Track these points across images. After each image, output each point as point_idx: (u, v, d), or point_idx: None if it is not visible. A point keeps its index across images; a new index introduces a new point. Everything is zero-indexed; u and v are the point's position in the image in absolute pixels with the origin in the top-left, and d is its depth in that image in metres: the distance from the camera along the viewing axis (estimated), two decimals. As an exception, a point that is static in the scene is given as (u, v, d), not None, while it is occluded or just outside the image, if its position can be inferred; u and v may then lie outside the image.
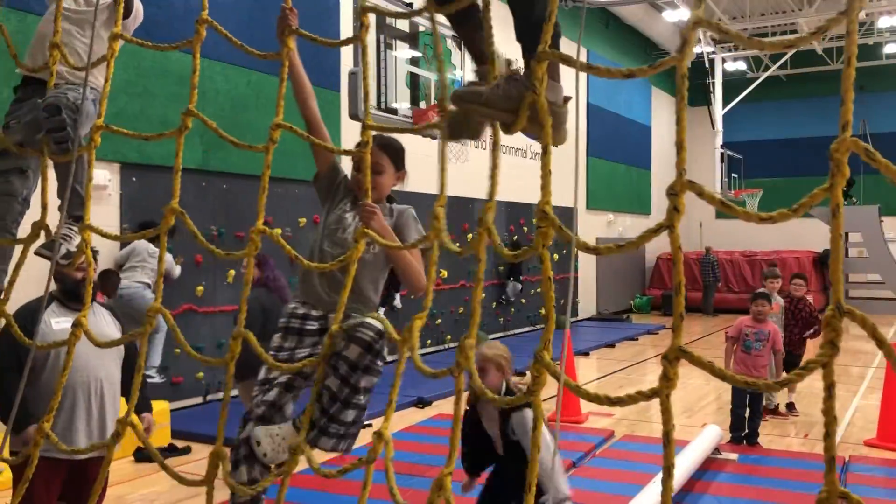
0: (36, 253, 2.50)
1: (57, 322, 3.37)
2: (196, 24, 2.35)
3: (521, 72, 1.85)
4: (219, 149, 8.13)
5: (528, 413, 3.45)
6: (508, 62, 1.90)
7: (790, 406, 7.72)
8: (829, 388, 1.15)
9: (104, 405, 3.44)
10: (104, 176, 7.03)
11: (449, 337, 12.10)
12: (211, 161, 8.12)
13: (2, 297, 2.44)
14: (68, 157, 2.47)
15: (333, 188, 3.01)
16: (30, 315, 3.10)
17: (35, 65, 2.73)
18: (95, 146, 2.41)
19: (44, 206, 2.43)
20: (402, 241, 2.83)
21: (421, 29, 7.78)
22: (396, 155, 3.02)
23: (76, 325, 2.26)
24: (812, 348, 7.51)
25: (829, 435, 1.14)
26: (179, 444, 6.29)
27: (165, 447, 6.11)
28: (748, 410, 6.39)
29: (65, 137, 2.48)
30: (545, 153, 1.59)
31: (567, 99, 1.97)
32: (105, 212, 7.12)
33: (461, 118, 1.95)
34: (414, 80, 7.28)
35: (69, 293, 3.45)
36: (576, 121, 1.92)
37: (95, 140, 2.40)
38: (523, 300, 14.34)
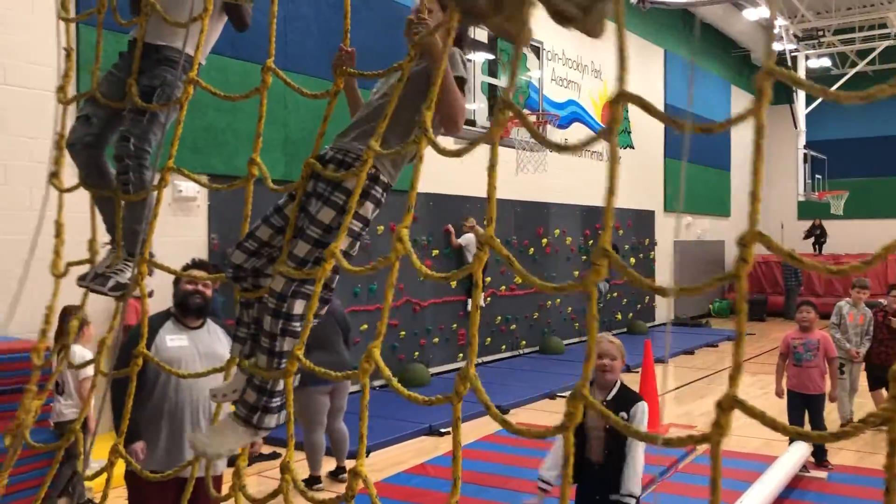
0: (84, 285, 2.61)
1: (171, 339, 3.51)
2: (262, 72, 2.44)
3: None
4: (300, 159, 8.34)
5: (645, 406, 3.62)
6: None
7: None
8: (893, 445, 1.13)
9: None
10: (193, 188, 7.31)
11: (524, 342, 12.11)
12: (293, 172, 8.34)
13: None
14: (128, 197, 2.58)
15: None
16: (148, 331, 3.22)
17: (139, 32, 2.69)
18: (165, 185, 2.51)
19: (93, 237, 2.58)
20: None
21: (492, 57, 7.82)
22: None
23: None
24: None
25: (889, 491, 1.13)
26: (266, 449, 6.50)
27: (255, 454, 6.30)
28: (809, 427, 6.21)
29: (127, 181, 2.59)
30: (611, 193, 1.50)
31: None
32: (194, 223, 7.41)
33: None
34: (492, 90, 7.33)
35: (181, 307, 3.61)
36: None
37: (166, 179, 2.49)
38: (599, 304, 14.20)
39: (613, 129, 1.54)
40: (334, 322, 5.88)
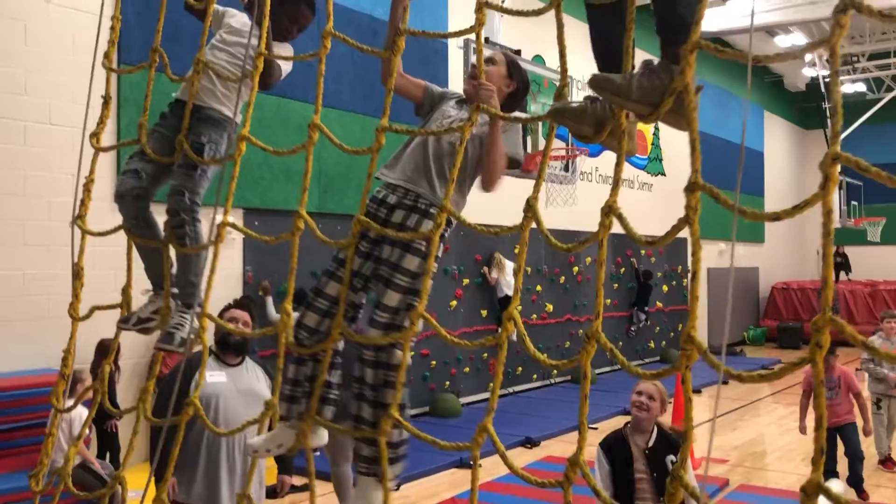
0: (155, 347, 2.69)
1: (211, 375, 3.59)
2: (309, 129, 2.47)
3: (656, 62, 1.86)
4: (334, 192, 8.49)
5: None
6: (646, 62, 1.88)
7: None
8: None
9: (247, 463, 3.51)
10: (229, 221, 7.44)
11: (555, 372, 12.06)
12: (327, 203, 8.47)
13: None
14: (185, 250, 2.66)
15: (436, 104, 2.87)
16: (189, 369, 3.30)
17: (185, 92, 2.85)
18: (222, 241, 2.54)
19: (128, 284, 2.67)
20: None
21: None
22: (511, 60, 2.83)
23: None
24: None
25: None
26: (297, 481, 6.54)
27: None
28: (846, 460, 6.15)
29: (183, 234, 2.68)
30: (695, 270, 1.51)
31: (699, 88, 1.85)
32: (229, 255, 7.54)
33: (579, 110, 1.96)
34: (522, 126, 7.41)
35: (221, 344, 3.70)
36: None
37: (222, 236, 2.52)
38: (633, 330, 14.12)
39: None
40: None
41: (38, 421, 5.47)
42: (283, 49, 2.91)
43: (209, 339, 2.66)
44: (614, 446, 3.58)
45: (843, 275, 19.22)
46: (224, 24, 2.95)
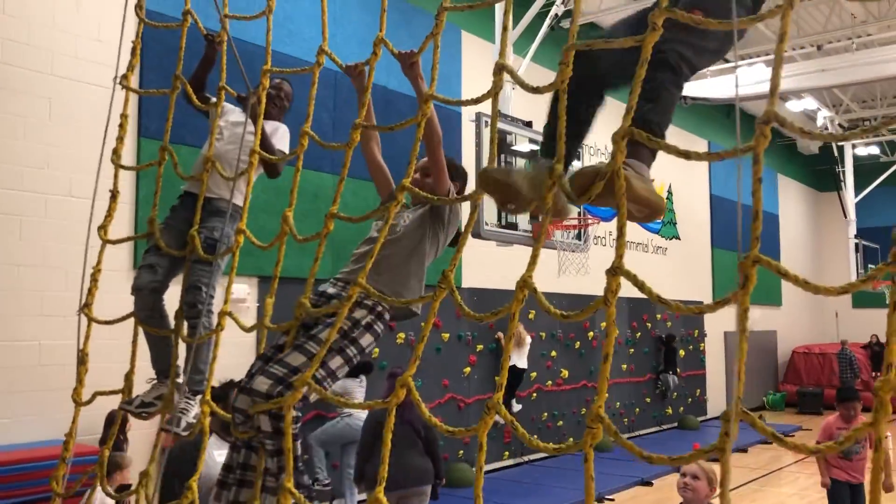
0: (162, 429, 2.72)
1: (219, 454, 3.60)
2: (325, 218, 2.52)
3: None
4: (346, 257, 8.54)
5: None
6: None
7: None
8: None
9: None
10: (243, 290, 7.51)
11: (571, 439, 11.88)
12: (338, 268, 8.52)
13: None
14: (194, 340, 2.72)
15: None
16: (191, 449, 3.31)
17: (194, 184, 2.99)
18: (222, 329, 2.61)
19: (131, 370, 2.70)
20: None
21: (535, 147, 8.06)
22: (449, 163, 2.94)
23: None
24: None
25: None
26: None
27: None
28: None
29: (196, 325, 2.75)
30: (606, 352, 1.51)
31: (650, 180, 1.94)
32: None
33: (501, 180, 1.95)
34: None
35: (225, 427, 3.70)
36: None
37: (222, 324, 2.60)
38: (648, 399, 13.95)
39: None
40: (408, 429, 5.56)
41: (50, 494, 5.45)
42: (279, 130, 3.04)
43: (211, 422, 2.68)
44: None
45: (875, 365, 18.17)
46: (225, 120, 3.11)
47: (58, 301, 6.32)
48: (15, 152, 6.19)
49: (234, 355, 7.39)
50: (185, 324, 2.83)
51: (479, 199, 2.01)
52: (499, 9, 8.52)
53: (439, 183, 2.78)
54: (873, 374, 17.61)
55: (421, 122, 2.19)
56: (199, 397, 2.68)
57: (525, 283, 1.68)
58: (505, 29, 2.06)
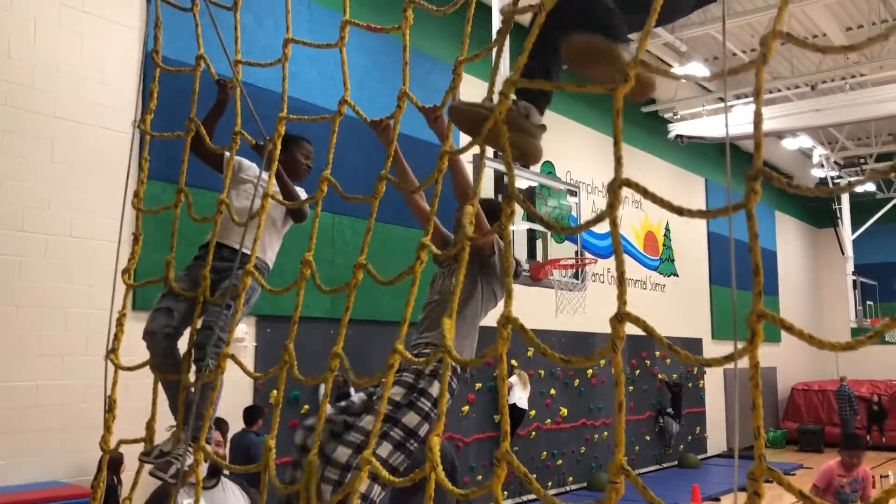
0: (150, 473, 2.72)
1: (188, 502, 3.57)
2: (349, 284, 2.54)
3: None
4: (345, 297, 8.55)
5: None
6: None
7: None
8: None
9: None
10: (241, 329, 7.52)
11: (571, 479, 11.80)
12: (338, 309, 8.53)
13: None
14: (199, 382, 2.71)
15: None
16: (164, 496, 3.31)
17: (214, 231, 2.99)
18: (222, 371, 2.62)
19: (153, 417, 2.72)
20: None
21: (534, 184, 8.11)
22: (488, 206, 3.00)
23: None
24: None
25: None
26: None
27: None
28: None
29: (203, 367, 2.76)
30: (620, 401, 1.44)
31: (541, 128, 2.02)
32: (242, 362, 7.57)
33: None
34: (530, 235, 7.57)
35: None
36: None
37: (223, 366, 2.60)
38: (648, 437, 13.87)
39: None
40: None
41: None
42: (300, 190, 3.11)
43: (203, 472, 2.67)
44: None
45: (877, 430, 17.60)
46: (243, 175, 3.19)
47: (56, 341, 6.33)
48: (17, 193, 6.24)
49: (234, 394, 7.37)
50: (192, 367, 2.84)
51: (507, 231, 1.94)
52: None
53: (482, 233, 2.76)
54: (869, 429, 17.38)
55: (438, 178, 2.16)
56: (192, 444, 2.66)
57: (508, 319, 1.63)
58: (495, 68, 2.08)
